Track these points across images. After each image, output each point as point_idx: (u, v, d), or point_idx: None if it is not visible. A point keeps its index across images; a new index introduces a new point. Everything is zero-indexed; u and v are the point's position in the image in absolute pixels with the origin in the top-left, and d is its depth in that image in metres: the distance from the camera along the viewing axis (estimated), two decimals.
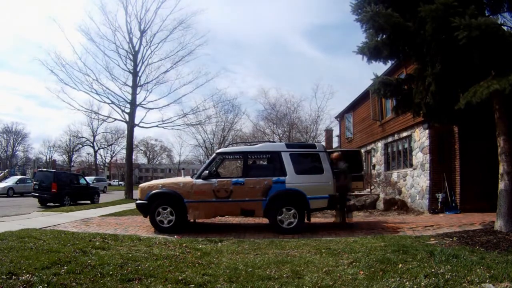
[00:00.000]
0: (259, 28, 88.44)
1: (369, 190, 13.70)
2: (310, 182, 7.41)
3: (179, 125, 22.33)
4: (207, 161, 8.16)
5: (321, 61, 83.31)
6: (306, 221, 7.54)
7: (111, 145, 57.48)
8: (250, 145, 8.89)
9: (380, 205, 11.33)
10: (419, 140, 11.20)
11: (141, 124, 20.56)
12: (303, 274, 4.00)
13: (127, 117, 19.83)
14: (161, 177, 37.52)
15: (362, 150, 16.20)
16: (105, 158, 59.99)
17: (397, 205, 11.28)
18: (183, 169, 38.99)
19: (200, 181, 7.44)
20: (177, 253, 5.07)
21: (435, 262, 4.27)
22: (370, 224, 8.45)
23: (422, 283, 3.51)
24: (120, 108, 19.87)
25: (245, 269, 4.18)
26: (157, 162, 71.85)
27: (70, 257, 4.44)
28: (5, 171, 40.13)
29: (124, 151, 35.07)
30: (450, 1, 5.66)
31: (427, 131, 10.62)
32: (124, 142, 46.60)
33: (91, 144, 54.50)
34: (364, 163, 15.08)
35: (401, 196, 12.23)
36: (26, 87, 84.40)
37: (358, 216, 10.36)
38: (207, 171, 7.52)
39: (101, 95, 20.37)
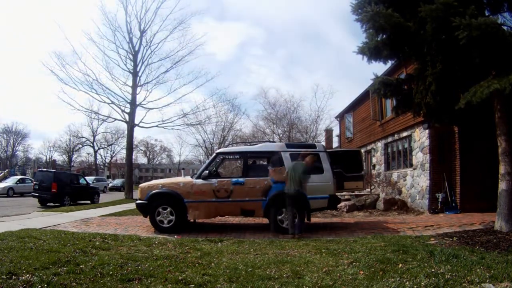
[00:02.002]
0: (290, 14, 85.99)
1: (369, 190, 13.70)
2: (310, 182, 7.40)
3: (179, 125, 22.35)
4: (207, 161, 8.17)
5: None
6: (306, 221, 7.54)
7: (111, 145, 57.46)
8: (250, 145, 8.89)
9: (380, 205, 11.33)
10: (419, 140, 11.20)
11: (141, 124, 20.58)
12: (303, 274, 4.00)
13: (127, 117, 19.83)
14: (161, 177, 37.55)
15: (362, 150, 16.19)
16: (105, 158, 60.00)
17: (397, 205, 11.29)
18: (183, 169, 39.01)
19: (200, 181, 7.44)
20: (177, 253, 5.06)
21: (435, 262, 4.27)
22: (370, 224, 8.45)
23: (422, 283, 3.51)
24: (120, 108, 19.89)
25: (245, 269, 4.18)
26: (157, 162, 71.87)
27: (70, 257, 4.43)
28: (5, 171, 40.12)
29: (124, 151, 35.11)
30: (450, 1, 5.67)
31: (427, 131, 10.62)
32: (124, 142, 46.63)
33: (91, 144, 54.48)
34: (364, 163, 15.08)
35: (401, 196, 12.23)
36: (26, 87, 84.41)
37: (358, 216, 10.37)
38: (207, 171, 7.52)
39: (101, 95, 20.34)
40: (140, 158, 67.66)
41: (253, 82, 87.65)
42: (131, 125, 19.87)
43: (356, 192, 12.10)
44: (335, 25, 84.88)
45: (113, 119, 22.85)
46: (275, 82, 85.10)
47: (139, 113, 45.44)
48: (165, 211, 7.33)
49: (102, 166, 60.77)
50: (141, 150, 64.09)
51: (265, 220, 7.89)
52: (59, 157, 59.54)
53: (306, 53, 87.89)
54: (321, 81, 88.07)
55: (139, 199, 7.63)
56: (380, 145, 14.74)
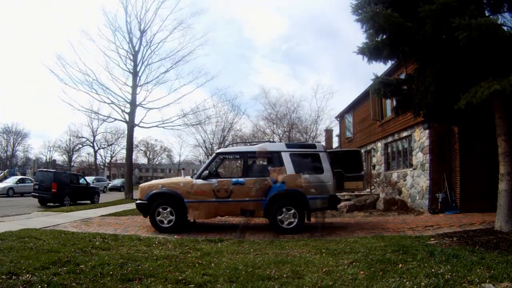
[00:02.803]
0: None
1: (369, 190, 13.70)
2: (310, 182, 7.41)
3: (179, 125, 22.33)
4: (207, 161, 8.16)
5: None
6: (306, 221, 7.54)
7: (111, 145, 57.40)
8: (250, 145, 8.89)
9: (380, 205, 11.33)
10: (419, 140, 11.20)
11: (141, 124, 20.57)
12: (303, 274, 4.00)
13: (127, 117, 19.82)
14: (161, 177, 37.55)
15: (362, 150, 16.19)
16: (105, 158, 59.95)
17: (397, 205, 11.28)
18: (183, 169, 38.95)
19: (200, 181, 7.44)
20: (177, 253, 5.07)
21: (435, 262, 4.27)
22: (370, 224, 8.44)
23: (422, 283, 3.51)
24: (120, 108, 19.87)
25: (245, 269, 4.18)
26: (157, 162, 71.84)
27: (70, 257, 4.44)
28: (5, 171, 40.14)
29: (124, 151, 35.10)
30: (450, 1, 5.66)
31: (427, 131, 10.62)
32: (124, 142, 46.65)
33: (91, 144, 54.45)
34: (364, 163, 15.08)
35: (401, 196, 12.23)
36: (26, 87, 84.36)
37: (358, 216, 10.36)
38: (207, 171, 7.51)
39: (101, 95, 20.32)
40: (140, 158, 67.68)
41: (262, 81, 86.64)
42: (131, 125, 19.86)
43: (356, 192, 12.10)
44: (348, 20, 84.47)
45: (113, 119, 22.82)
46: (283, 81, 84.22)
47: (139, 113, 45.54)
48: (165, 211, 7.33)
49: (102, 166, 60.76)
50: (141, 150, 64.12)
51: (265, 220, 7.89)
52: (59, 157, 59.59)
53: (316, 51, 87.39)
54: (330, 81, 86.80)
55: (139, 199, 7.63)
56: (380, 145, 14.74)
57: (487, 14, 6.92)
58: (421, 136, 11.07)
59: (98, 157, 57.76)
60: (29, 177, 27.28)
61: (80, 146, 57.10)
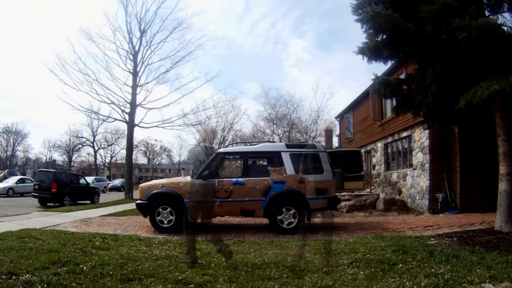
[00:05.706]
0: None
1: (369, 190, 13.69)
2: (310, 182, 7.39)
3: (179, 125, 22.26)
4: (207, 161, 8.15)
5: None
6: (306, 221, 7.54)
7: (111, 145, 57.34)
8: (250, 145, 8.89)
9: (380, 205, 11.33)
10: (419, 140, 11.20)
11: (141, 124, 20.53)
12: (303, 274, 4.01)
13: (127, 117, 19.79)
14: (161, 177, 37.54)
15: (362, 150, 16.19)
16: (105, 158, 59.92)
17: (397, 205, 11.28)
18: (183, 169, 38.93)
19: (200, 181, 7.42)
20: (177, 253, 5.07)
21: (435, 262, 4.27)
22: (370, 224, 8.44)
23: (422, 283, 3.51)
24: (120, 108, 19.83)
25: (245, 269, 4.18)
26: (157, 162, 71.83)
27: (70, 257, 4.44)
28: (5, 171, 40.09)
29: (124, 151, 35.07)
30: (450, 2, 5.66)
31: (427, 131, 10.62)
32: (124, 142, 46.59)
33: (91, 144, 54.37)
34: (364, 163, 15.08)
35: (401, 196, 12.23)
36: (26, 87, 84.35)
37: (358, 216, 10.36)
38: (207, 171, 7.50)
39: (101, 95, 20.24)
40: (140, 158, 67.59)
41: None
42: (131, 125, 19.84)
43: (356, 192, 12.10)
44: None
45: (113, 119, 22.74)
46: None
47: (139, 113, 45.48)
48: (165, 211, 7.32)
49: (102, 166, 60.73)
50: (141, 150, 64.02)
51: (265, 220, 7.89)
52: (59, 157, 59.51)
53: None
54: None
55: (139, 199, 7.63)
56: (380, 145, 14.74)
57: (487, 14, 6.92)
58: (421, 136, 11.07)
59: (98, 157, 57.76)
60: (29, 177, 27.26)
61: (80, 146, 57.04)
